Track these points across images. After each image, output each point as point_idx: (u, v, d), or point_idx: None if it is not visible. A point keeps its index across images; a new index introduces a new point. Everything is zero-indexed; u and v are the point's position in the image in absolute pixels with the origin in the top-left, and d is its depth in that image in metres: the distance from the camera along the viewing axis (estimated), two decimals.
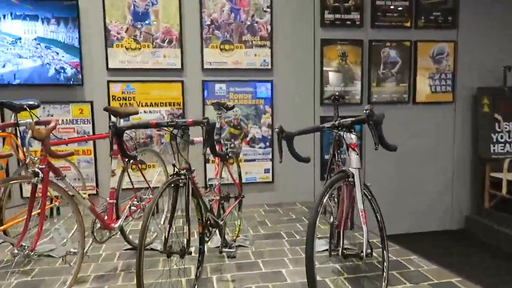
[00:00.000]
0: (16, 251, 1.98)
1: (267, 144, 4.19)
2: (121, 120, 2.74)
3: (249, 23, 4.05)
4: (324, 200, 1.78)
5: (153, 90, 3.94)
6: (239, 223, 3.22)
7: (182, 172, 2.04)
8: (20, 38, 3.60)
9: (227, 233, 3.18)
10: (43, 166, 2.03)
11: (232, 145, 4.03)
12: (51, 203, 2.96)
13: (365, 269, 2.54)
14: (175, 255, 1.99)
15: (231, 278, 2.48)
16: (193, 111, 4.00)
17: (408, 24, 4.38)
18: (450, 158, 4.64)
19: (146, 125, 2.07)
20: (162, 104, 3.97)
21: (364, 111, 1.85)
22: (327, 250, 2.70)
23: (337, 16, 4.21)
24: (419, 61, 4.44)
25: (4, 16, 3.56)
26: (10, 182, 1.98)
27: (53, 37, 3.66)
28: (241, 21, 4.04)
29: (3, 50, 3.59)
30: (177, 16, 3.91)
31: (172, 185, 2.00)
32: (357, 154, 1.95)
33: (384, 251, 2.11)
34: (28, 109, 2.09)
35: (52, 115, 3.78)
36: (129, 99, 3.91)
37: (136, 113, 2.87)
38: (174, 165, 2.05)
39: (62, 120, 3.80)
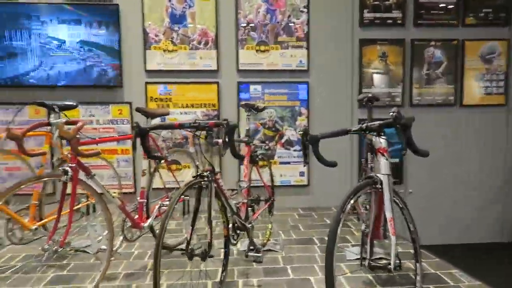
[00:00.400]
0: (46, 246, 2.05)
1: (297, 147, 4.10)
2: (153, 121, 2.79)
3: (285, 23, 3.99)
4: (348, 207, 1.68)
5: (189, 92, 3.99)
6: (270, 227, 3.17)
7: (205, 173, 2.03)
8: (64, 42, 3.78)
9: (258, 236, 3.15)
10: (73, 165, 2.09)
11: (267, 147, 4.01)
12: (88, 200, 3.07)
13: (400, 281, 2.40)
14: (197, 257, 1.97)
15: (257, 283, 2.43)
16: (228, 113, 4.00)
17: (455, 22, 4.12)
18: (501, 164, 4.30)
19: (170, 126, 2.08)
20: (197, 105, 4.01)
21: (391, 113, 1.74)
22: (359, 258, 2.58)
23: (377, 15, 4.04)
24: (467, 61, 4.16)
25: (50, 20, 3.75)
26: (41, 179, 2.05)
27: (95, 41, 3.80)
28: (277, 22, 3.99)
29: (50, 53, 3.78)
30: (213, 18, 3.93)
31: (194, 186, 1.98)
32: (386, 160, 1.83)
33: (417, 264, 1.97)
34: (56, 109, 2.16)
35: (93, 115, 3.93)
36: (166, 100, 3.99)
37: (167, 114, 2.90)
38: (197, 167, 2.03)
39: (103, 120, 3.94)
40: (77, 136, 2.07)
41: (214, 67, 3.98)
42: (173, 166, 3.96)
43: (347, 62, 4.09)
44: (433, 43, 4.13)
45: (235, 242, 2.56)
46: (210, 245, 1.99)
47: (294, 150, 4.09)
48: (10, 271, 2.60)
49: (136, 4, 3.87)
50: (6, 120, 3.82)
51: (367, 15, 4.04)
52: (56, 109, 2.17)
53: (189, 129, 2.02)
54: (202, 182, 2.01)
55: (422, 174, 4.19)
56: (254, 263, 2.71)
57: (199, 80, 3.99)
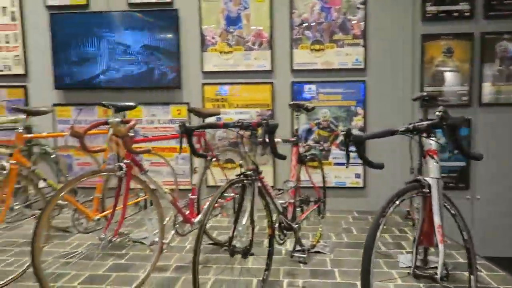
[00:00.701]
0: (102, 235, 2.22)
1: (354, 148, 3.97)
2: (206, 120, 2.89)
3: (340, 21, 3.90)
4: (389, 211, 1.61)
5: (244, 92, 4.06)
6: (320, 229, 3.13)
7: (248, 172, 2.06)
8: (130, 46, 4.04)
9: (308, 237, 3.13)
10: (127, 161, 2.24)
11: (321, 147, 3.96)
12: (145, 195, 3.25)
13: None
14: (238, 254, 2.01)
15: (302, 284, 2.42)
16: (282, 112, 4.01)
17: None
18: None
19: (215, 126, 2.13)
20: (252, 106, 4.07)
21: (437, 113, 1.63)
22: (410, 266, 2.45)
23: (442, 8, 3.80)
24: None
25: (118, 27, 4.03)
26: (98, 174, 2.22)
27: (156, 44, 4.02)
28: (332, 20, 3.91)
29: (117, 57, 4.07)
30: (268, 19, 3.96)
31: (236, 184, 2.02)
32: (437, 162, 1.72)
33: (472, 276, 1.83)
34: (112, 109, 2.33)
35: (154, 115, 4.16)
36: (222, 100, 4.09)
37: (218, 113, 2.98)
38: (240, 165, 2.07)
39: (163, 120, 4.15)
40: (130, 134, 2.21)
41: (269, 68, 4.01)
42: (228, 165, 4.07)
43: (407, 59, 3.89)
44: (506, 36, 3.79)
45: (281, 241, 2.56)
46: (251, 243, 2.02)
47: (350, 151, 3.97)
48: (76, 256, 2.85)
49: (194, 9, 4.02)
50: (79, 119, 4.18)
51: (430, 8, 3.81)
52: (112, 109, 2.33)
53: (232, 128, 2.07)
54: (245, 181, 2.05)
55: (491, 179, 3.86)
56: (301, 264, 2.70)
57: (253, 80, 4.05)
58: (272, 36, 3.99)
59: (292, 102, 2.80)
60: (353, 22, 3.89)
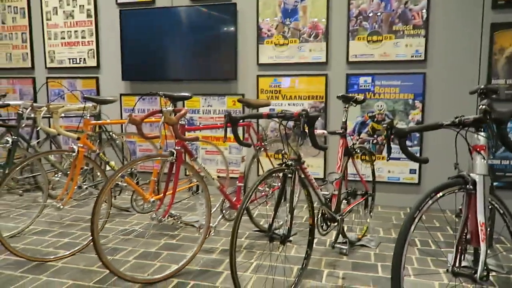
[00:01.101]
0: (154, 215, 2.40)
1: (415, 142, 3.83)
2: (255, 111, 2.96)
3: (401, 11, 3.75)
4: (426, 207, 1.56)
5: (297, 84, 4.08)
6: (367, 223, 3.08)
7: (289, 162, 2.10)
8: (190, 40, 4.23)
9: (356, 231, 3.10)
10: (178, 148, 2.39)
11: (375, 141, 3.87)
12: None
13: None
14: (277, 240, 2.06)
15: (342, 275, 2.42)
16: (335, 105, 3.97)
17: None
18: None
19: (259, 116, 2.19)
20: (305, 97, 4.07)
21: (480, 106, 1.54)
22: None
23: None
24: None
25: (181, 21, 4.24)
26: (151, 159, 2.39)
27: (215, 38, 4.16)
28: (392, 10, 3.78)
29: (178, 51, 4.29)
30: (325, 10, 3.93)
31: (275, 174, 2.08)
32: (484, 158, 1.63)
33: None
34: (165, 99, 2.48)
35: (211, 106, 4.33)
36: (276, 92, 4.15)
37: (268, 104, 3.04)
38: (283, 155, 2.12)
39: (219, 110, 4.30)
40: (181, 122, 2.35)
41: (323, 59, 3.98)
42: (280, 155, 4.13)
43: (474, 50, 3.64)
44: None
45: (324, 232, 2.58)
46: (290, 230, 2.07)
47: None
48: (133, 234, 3.10)
49: (252, 2, 4.10)
50: (141, 108, 4.48)
51: None
52: (165, 99, 2.49)
53: (276, 119, 2.12)
54: (286, 170, 2.09)
55: None
56: (344, 256, 2.69)
57: (307, 72, 4.04)
58: (328, 28, 3.95)
59: (340, 94, 2.78)
60: (414, 11, 3.72)
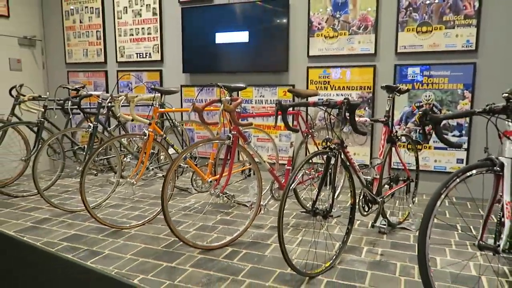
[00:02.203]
0: (212, 191, 2.74)
1: (463, 132, 3.86)
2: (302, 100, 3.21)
3: (452, 1, 3.78)
4: (453, 184, 1.73)
5: (346, 75, 4.25)
6: (409, 207, 3.23)
7: (332, 146, 2.33)
8: (245, 34, 4.54)
9: (397, 215, 3.26)
10: (234, 132, 2.71)
11: (421, 131, 3.96)
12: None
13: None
14: (319, 216, 2.32)
15: (380, 252, 2.63)
16: (383, 95, 4.09)
17: None
18: None
19: (306, 104, 2.44)
20: (354, 88, 4.24)
21: (504, 94, 1.67)
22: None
23: None
24: None
25: (235, 16, 4.55)
26: (210, 141, 2.73)
27: (268, 32, 4.43)
28: (442, 1, 3.82)
29: (234, 44, 4.61)
30: (375, 3, 4.04)
31: (319, 156, 2.32)
32: None
33: None
34: (223, 89, 2.80)
35: (263, 96, 4.62)
36: (325, 83, 4.35)
37: (316, 94, 3.26)
38: (327, 139, 2.36)
39: (270, 100, 4.59)
40: (237, 110, 2.66)
41: (372, 51, 4.11)
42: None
43: None
44: None
45: (365, 213, 2.79)
46: (331, 206, 2.31)
47: (453, 136, 3.89)
48: (193, 210, 3.49)
49: None
50: (200, 99, 4.88)
51: None
52: (223, 89, 2.81)
53: (321, 107, 2.36)
54: (329, 153, 2.33)
55: None
56: (384, 236, 2.89)
57: (356, 63, 4.20)
58: (378, 20, 4.06)
59: (384, 85, 2.94)
60: (466, 1, 3.74)
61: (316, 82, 4.38)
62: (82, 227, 3.11)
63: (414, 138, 3.99)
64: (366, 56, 4.15)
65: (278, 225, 2.12)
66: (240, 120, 2.85)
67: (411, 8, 3.94)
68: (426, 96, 3.97)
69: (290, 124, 2.51)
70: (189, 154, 4.00)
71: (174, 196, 3.92)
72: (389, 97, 2.94)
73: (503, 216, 1.81)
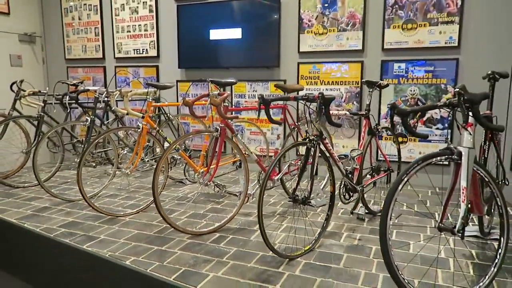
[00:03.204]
0: (201, 180, 2.92)
1: (446, 125, 4.02)
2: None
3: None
4: (413, 172, 1.89)
5: (334, 70, 4.40)
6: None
7: (311, 137, 2.49)
8: (238, 31, 4.69)
9: (380, 204, 3.43)
10: (221, 125, 2.87)
11: (390, 124, 4.12)
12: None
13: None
14: (298, 202, 2.49)
15: (359, 237, 2.80)
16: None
17: None
18: None
19: (287, 98, 2.60)
20: (342, 83, 4.39)
21: (456, 89, 1.83)
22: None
23: None
24: None
25: (231, 13, 4.70)
26: (199, 133, 2.89)
27: (259, 28, 4.58)
28: None
29: (227, 41, 4.77)
30: (362, 0, 4.18)
31: (298, 147, 2.49)
32: (470, 134, 1.93)
33: (502, 238, 2.01)
34: (210, 84, 2.96)
35: (255, 91, 4.78)
36: (314, 78, 4.50)
37: (301, 89, 3.41)
38: (306, 132, 2.52)
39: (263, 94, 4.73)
40: (225, 104, 2.82)
41: (360, 47, 4.26)
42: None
43: (509, 36, 3.74)
44: None
45: (346, 201, 2.96)
46: (310, 194, 2.48)
47: (437, 129, 4.05)
48: (185, 200, 3.67)
49: None
50: (195, 93, 5.04)
51: None
52: (210, 84, 2.98)
53: (301, 101, 2.52)
54: (308, 144, 2.49)
55: None
56: (365, 223, 3.06)
57: (344, 59, 4.35)
58: (365, 17, 4.21)
59: (364, 80, 3.09)
60: None
61: (306, 77, 4.53)
62: (79, 215, 3.29)
63: (399, 131, 4.15)
64: (354, 52, 4.30)
65: (258, 209, 2.29)
66: (229, 113, 3.02)
67: (397, 6, 4.08)
68: (411, 90, 4.12)
69: (278, 118, 2.68)
70: (183, 146, 4.17)
71: (169, 187, 4.10)
72: (369, 91, 3.10)
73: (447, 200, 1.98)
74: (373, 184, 3.17)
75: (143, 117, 3.35)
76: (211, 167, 3.00)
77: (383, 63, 4.20)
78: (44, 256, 2.90)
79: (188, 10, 4.93)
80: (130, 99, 3.39)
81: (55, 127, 3.88)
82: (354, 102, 4.35)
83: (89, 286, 2.59)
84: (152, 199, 3.42)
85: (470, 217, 2.64)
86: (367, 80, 3.07)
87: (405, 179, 1.89)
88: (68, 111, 4.57)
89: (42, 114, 4.14)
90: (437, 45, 3.98)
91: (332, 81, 4.42)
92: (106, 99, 4.08)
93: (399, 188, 1.88)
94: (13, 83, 4.48)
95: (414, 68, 4.09)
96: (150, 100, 3.47)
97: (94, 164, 4.63)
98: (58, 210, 3.41)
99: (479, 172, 2.00)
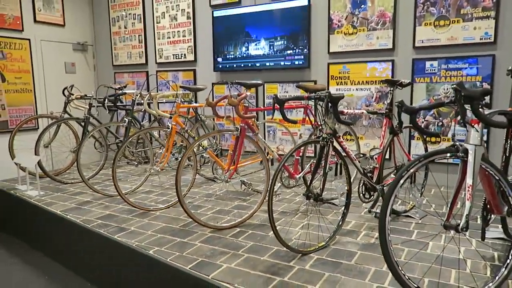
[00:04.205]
0: (223, 176, 3.06)
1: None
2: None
3: None
4: (414, 169, 1.88)
5: (365, 70, 4.37)
6: (415, 197, 3.33)
7: (325, 136, 2.54)
8: (269, 34, 4.81)
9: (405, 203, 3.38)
10: (241, 125, 2.99)
11: (440, 123, 4.02)
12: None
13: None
14: (311, 199, 2.55)
15: (376, 236, 2.79)
16: (399, 89, 4.16)
17: None
18: None
19: (301, 98, 2.67)
20: (372, 82, 4.35)
21: (452, 86, 1.80)
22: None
23: None
24: None
25: (259, 19, 4.83)
26: (221, 132, 3.04)
27: (291, 31, 4.67)
28: None
29: (259, 44, 4.90)
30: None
31: (310, 145, 2.54)
32: (477, 131, 1.89)
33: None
34: (230, 85, 3.09)
35: (287, 92, 4.86)
36: (344, 78, 4.50)
37: (324, 89, 3.45)
38: (320, 130, 2.57)
39: (293, 95, 4.80)
40: (245, 104, 2.94)
41: (390, 46, 4.20)
42: (347, 136, 4.50)
43: None
44: None
45: (366, 200, 2.97)
46: (322, 191, 2.53)
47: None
48: (213, 197, 3.83)
49: None
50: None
51: None
52: (230, 85, 3.11)
53: (313, 99, 2.58)
54: (321, 142, 2.54)
55: None
56: None
57: (374, 59, 4.30)
58: (396, 15, 4.15)
59: (385, 79, 3.07)
60: None
61: (336, 78, 4.54)
62: (116, 209, 3.56)
63: (432, 131, 4.03)
64: (385, 51, 4.25)
65: (268, 204, 2.39)
66: (249, 113, 3.14)
67: (428, 3, 3.98)
68: (444, 89, 4.00)
69: (301, 118, 2.75)
70: (214, 146, 4.35)
71: (201, 184, 4.30)
72: (390, 90, 3.07)
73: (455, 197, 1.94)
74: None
75: (170, 118, 3.56)
76: (232, 165, 3.13)
77: (415, 61, 4.11)
78: (77, 243, 3.20)
79: (222, 15, 5.12)
80: (163, 101, 3.62)
81: (95, 128, 4.21)
82: (385, 102, 4.29)
83: (108, 269, 2.83)
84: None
85: (493, 218, 2.54)
86: (387, 79, 3.06)
87: (407, 175, 1.89)
88: (112, 113, 4.93)
89: (88, 116, 4.50)
90: (471, 42, 3.83)
91: (362, 81, 4.40)
92: (148, 101, 4.37)
93: (401, 182, 1.89)
94: (64, 88, 4.91)
95: (447, 66, 3.96)
96: (179, 102, 3.67)
97: (135, 163, 4.95)
98: (98, 204, 3.72)
99: (488, 170, 1.95)
